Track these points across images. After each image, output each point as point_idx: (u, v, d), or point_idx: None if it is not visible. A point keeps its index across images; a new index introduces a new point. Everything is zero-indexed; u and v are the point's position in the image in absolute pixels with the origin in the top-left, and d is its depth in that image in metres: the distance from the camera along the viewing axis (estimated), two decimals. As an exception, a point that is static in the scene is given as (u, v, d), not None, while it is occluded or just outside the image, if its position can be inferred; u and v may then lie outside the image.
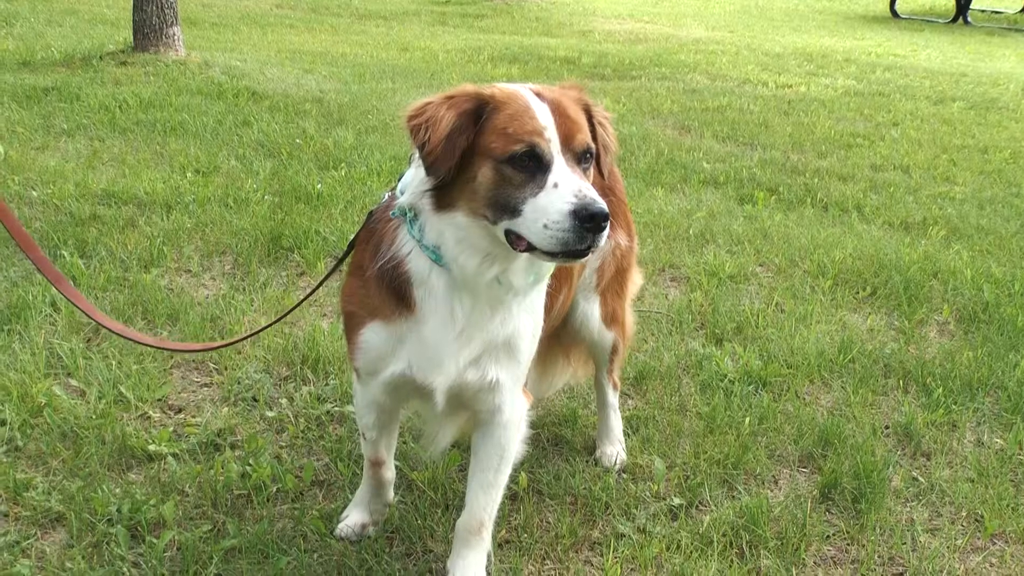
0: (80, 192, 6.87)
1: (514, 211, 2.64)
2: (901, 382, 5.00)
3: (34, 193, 6.81)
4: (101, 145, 8.22)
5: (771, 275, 6.35)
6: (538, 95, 2.76)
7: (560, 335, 3.95)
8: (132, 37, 11.90)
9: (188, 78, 10.98)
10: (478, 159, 2.70)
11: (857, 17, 24.08)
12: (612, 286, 3.94)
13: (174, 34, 11.82)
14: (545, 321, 3.29)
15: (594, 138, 2.87)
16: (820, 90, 13.32)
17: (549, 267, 2.96)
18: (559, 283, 3.45)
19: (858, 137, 10.55)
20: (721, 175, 8.51)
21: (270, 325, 4.05)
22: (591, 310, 3.91)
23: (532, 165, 2.65)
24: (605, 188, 3.71)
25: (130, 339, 4.12)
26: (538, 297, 3.16)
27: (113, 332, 3.97)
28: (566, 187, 2.60)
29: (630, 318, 4.20)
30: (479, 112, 2.73)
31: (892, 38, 19.93)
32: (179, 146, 8.27)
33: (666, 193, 7.94)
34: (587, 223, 2.54)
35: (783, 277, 6.30)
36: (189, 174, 7.50)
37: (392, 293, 3.00)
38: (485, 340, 3.02)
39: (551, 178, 2.62)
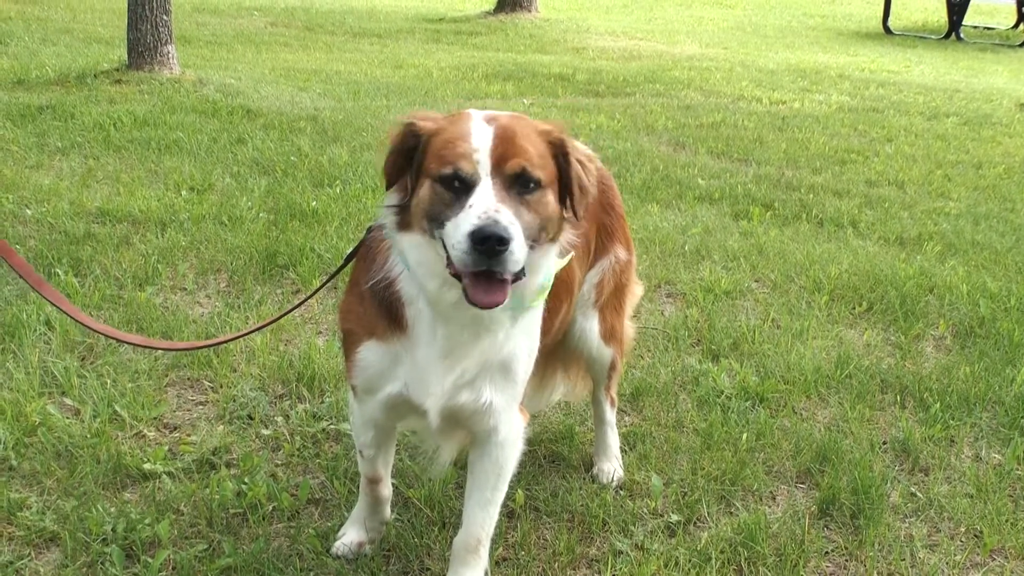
0: (74, 210, 6.85)
1: (441, 225, 2.69)
2: (898, 397, 4.99)
3: (28, 211, 6.79)
4: (95, 163, 8.21)
5: (767, 291, 6.35)
6: (490, 120, 2.78)
7: (557, 351, 3.93)
8: (127, 56, 11.90)
9: (183, 96, 10.98)
10: (422, 179, 2.78)
11: (850, 33, 24.15)
12: (611, 302, 3.94)
13: (169, 52, 11.82)
14: (543, 340, 3.30)
15: (564, 174, 2.86)
16: (814, 106, 13.35)
17: (530, 296, 2.95)
18: (559, 301, 3.45)
19: (852, 153, 10.56)
20: (716, 191, 8.51)
21: (259, 328, 4.03)
22: (590, 326, 3.90)
23: (459, 186, 2.68)
24: (604, 204, 3.72)
25: (118, 339, 4.14)
26: (535, 318, 3.16)
27: (96, 331, 3.92)
28: (477, 208, 2.60)
29: (629, 333, 4.19)
30: (420, 136, 2.83)
31: (885, 54, 19.98)
32: (174, 164, 8.26)
33: (661, 209, 7.94)
34: (479, 246, 2.54)
35: (779, 293, 6.29)
36: (184, 192, 7.49)
37: (386, 312, 3.02)
38: (479, 363, 3.03)
39: (470, 199, 2.64)
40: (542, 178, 2.75)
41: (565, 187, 2.88)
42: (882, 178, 9.54)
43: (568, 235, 2.99)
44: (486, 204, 2.60)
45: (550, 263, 2.96)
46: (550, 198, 2.81)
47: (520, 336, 3.08)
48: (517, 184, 2.70)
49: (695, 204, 8.16)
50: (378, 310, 3.03)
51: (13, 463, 3.97)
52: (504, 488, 3.33)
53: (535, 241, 2.77)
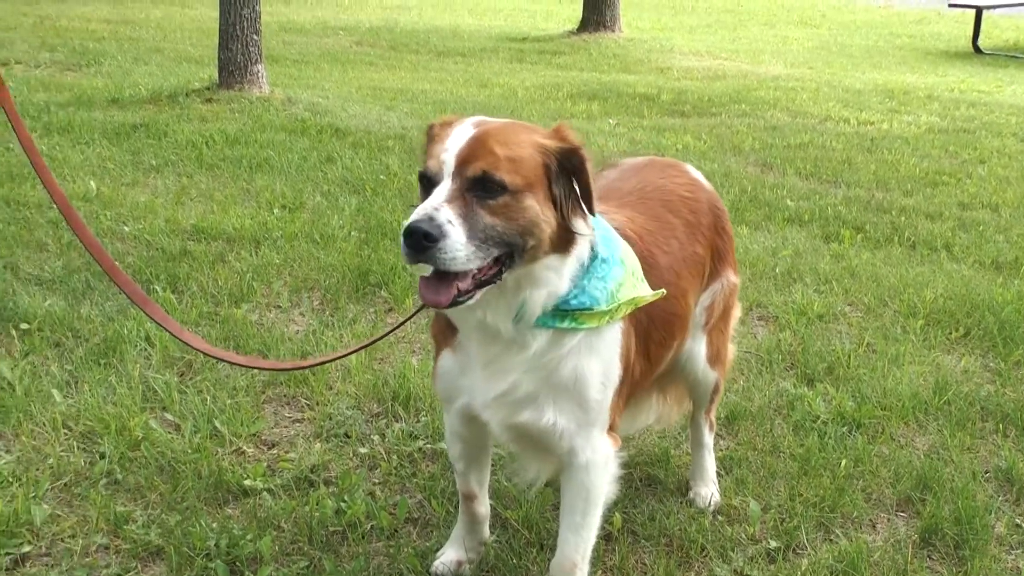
0: (170, 228, 6.99)
1: None
2: (1000, 425, 4.89)
3: (126, 228, 6.93)
4: (189, 181, 8.36)
5: (860, 315, 6.26)
6: (478, 124, 2.80)
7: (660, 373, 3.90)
8: (217, 74, 12.12)
9: (272, 115, 11.15)
10: None
11: (939, 53, 23.77)
12: (718, 324, 3.92)
13: (258, 71, 12.01)
14: (651, 371, 3.32)
15: (574, 179, 2.84)
16: (903, 127, 13.14)
17: (533, 308, 2.89)
18: (671, 336, 3.45)
19: (944, 175, 10.36)
20: (806, 213, 8.42)
21: (361, 348, 4.01)
22: (698, 349, 3.86)
23: (428, 186, 2.72)
24: (718, 228, 3.70)
25: (218, 358, 4.22)
26: (607, 341, 3.11)
27: (196, 348, 3.93)
28: (422, 205, 2.64)
29: (731, 355, 4.16)
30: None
31: (975, 74, 19.61)
32: (265, 182, 8.38)
33: (750, 231, 7.88)
34: (407, 239, 2.58)
35: (873, 317, 6.20)
36: (276, 210, 7.60)
37: (446, 321, 3.08)
38: (535, 379, 3.02)
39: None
40: (508, 182, 2.70)
41: (576, 195, 2.86)
42: (975, 200, 9.35)
43: (585, 248, 2.94)
44: (431, 202, 2.64)
45: (560, 277, 2.89)
46: (528, 203, 2.74)
47: (586, 358, 3.05)
48: (477, 187, 2.69)
49: (784, 226, 8.08)
50: (445, 319, 3.08)
51: (118, 477, 4.05)
52: (595, 512, 3.28)
53: (513, 247, 2.74)
